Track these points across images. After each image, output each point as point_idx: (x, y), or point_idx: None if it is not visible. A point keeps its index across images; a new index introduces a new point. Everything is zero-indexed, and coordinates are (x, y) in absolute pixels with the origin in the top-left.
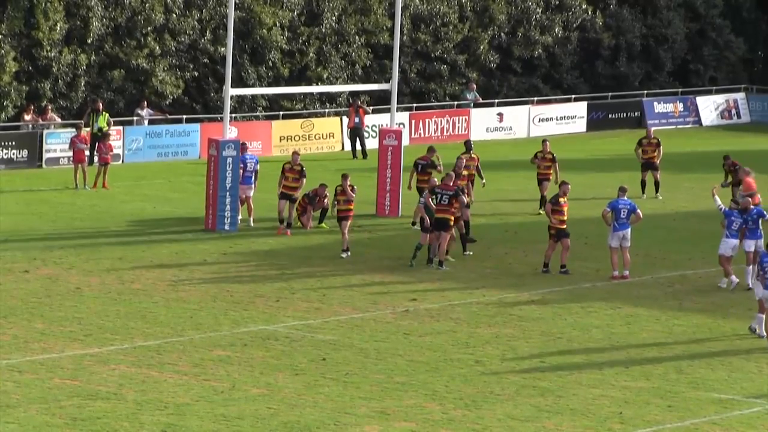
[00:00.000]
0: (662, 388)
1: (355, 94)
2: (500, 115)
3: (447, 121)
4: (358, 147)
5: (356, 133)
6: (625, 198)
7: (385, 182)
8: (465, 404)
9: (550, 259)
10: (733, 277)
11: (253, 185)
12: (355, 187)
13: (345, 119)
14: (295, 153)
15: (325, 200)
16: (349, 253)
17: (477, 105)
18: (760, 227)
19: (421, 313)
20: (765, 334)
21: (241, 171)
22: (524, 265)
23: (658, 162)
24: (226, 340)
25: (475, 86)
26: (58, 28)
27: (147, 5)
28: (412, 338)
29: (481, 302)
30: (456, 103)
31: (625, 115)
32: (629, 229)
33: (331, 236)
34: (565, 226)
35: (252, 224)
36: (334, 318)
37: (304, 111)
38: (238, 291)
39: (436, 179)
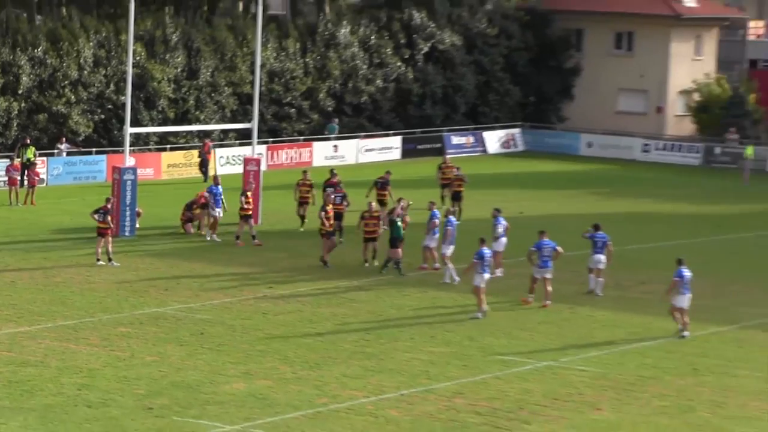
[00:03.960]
0: (459, 352)
1: (206, 134)
2: (335, 146)
3: (295, 152)
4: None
5: (204, 162)
6: (546, 239)
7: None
8: (309, 366)
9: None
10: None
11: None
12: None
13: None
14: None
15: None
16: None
17: (340, 138)
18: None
19: (276, 298)
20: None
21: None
22: (353, 260)
23: (461, 188)
24: (127, 319)
25: (336, 120)
26: None
27: (64, 64)
28: (269, 317)
29: (322, 288)
30: (303, 137)
31: (430, 146)
32: (551, 265)
33: (205, 239)
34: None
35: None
36: (210, 302)
37: (186, 144)
38: (136, 281)
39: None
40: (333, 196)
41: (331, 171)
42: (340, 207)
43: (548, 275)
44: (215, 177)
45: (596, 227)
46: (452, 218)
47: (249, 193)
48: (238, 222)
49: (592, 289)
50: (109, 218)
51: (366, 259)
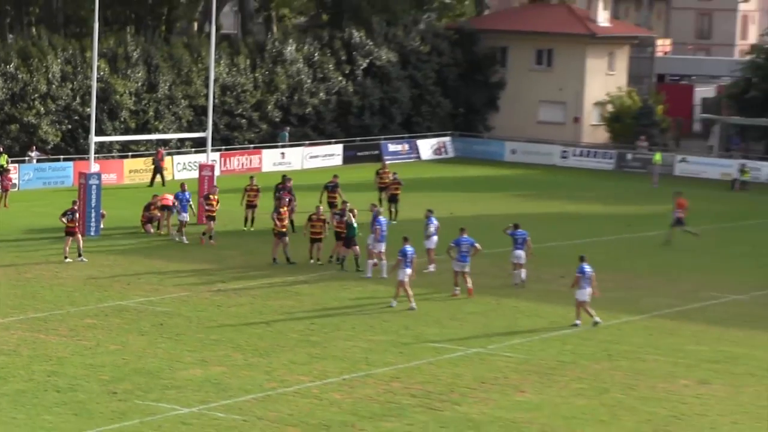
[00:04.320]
0: (395, 340)
1: (164, 143)
2: (283, 153)
3: (246, 158)
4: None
5: (158, 169)
6: (465, 236)
7: (203, 201)
8: (260, 353)
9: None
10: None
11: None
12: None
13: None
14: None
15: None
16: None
17: (286, 145)
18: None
19: (228, 292)
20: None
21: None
22: (299, 257)
23: (398, 191)
24: (92, 312)
25: (288, 128)
26: None
27: (34, 79)
28: (223, 309)
29: (271, 283)
30: (253, 145)
31: (368, 153)
32: (469, 260)
33: (172, 240)
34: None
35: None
36: (169, 296)
37: (147, 152)
38: (101, 277)
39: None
40: (286, 199)
41: (284, 176)
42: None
43: (466, 269)
44: (182, 184)
45: (516, 226)
46: (381, 218)
47: (212, 196)
48: (206, 222)
49: (517, 282)
50: (77, 216)
51: (312, 257)
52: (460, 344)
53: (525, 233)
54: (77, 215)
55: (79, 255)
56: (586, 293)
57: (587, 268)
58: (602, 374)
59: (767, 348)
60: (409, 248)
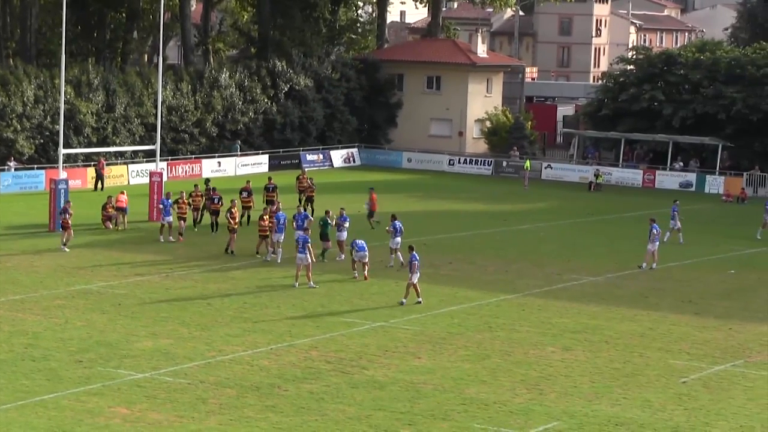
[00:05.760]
0: (312, 316)
1: (121, 154)
2: (219, 162)
3: (189, 166)
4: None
5: (99, 175)
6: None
7: (153, 201)
8: (201, 328)
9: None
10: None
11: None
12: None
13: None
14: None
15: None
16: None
17: (227, 155)
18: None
19: (175, 277)
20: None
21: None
22: (239, 250)
23: (313, 193)
24: (62, 294)
25: (239, 141)
26: None
27: (12, 101)
28: (171, 291)
29: (210, 269)
30: (194, 156)
31: (290, 162)
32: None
33: (128, 234)
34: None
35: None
36: (125, 280)
37: (106, 162)
38: (69, 266)
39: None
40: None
41: (248, 181)
42: (217, 206)
43: (365, 260)
44: (167, 193)
45: (393, 217)
46: (280, 213)
47: (180, 201)
48: (178, 223)
49: (392, 264)
50: (68, 216)
51: (258, 251)
52: (366, 319)
53: (401, 224)
54: (68, 213)
55: (63, 244)
56: (416, 276)
57: (416, 255)
58: (484, 343)
59: (619, 320)
60: (301, 235)
